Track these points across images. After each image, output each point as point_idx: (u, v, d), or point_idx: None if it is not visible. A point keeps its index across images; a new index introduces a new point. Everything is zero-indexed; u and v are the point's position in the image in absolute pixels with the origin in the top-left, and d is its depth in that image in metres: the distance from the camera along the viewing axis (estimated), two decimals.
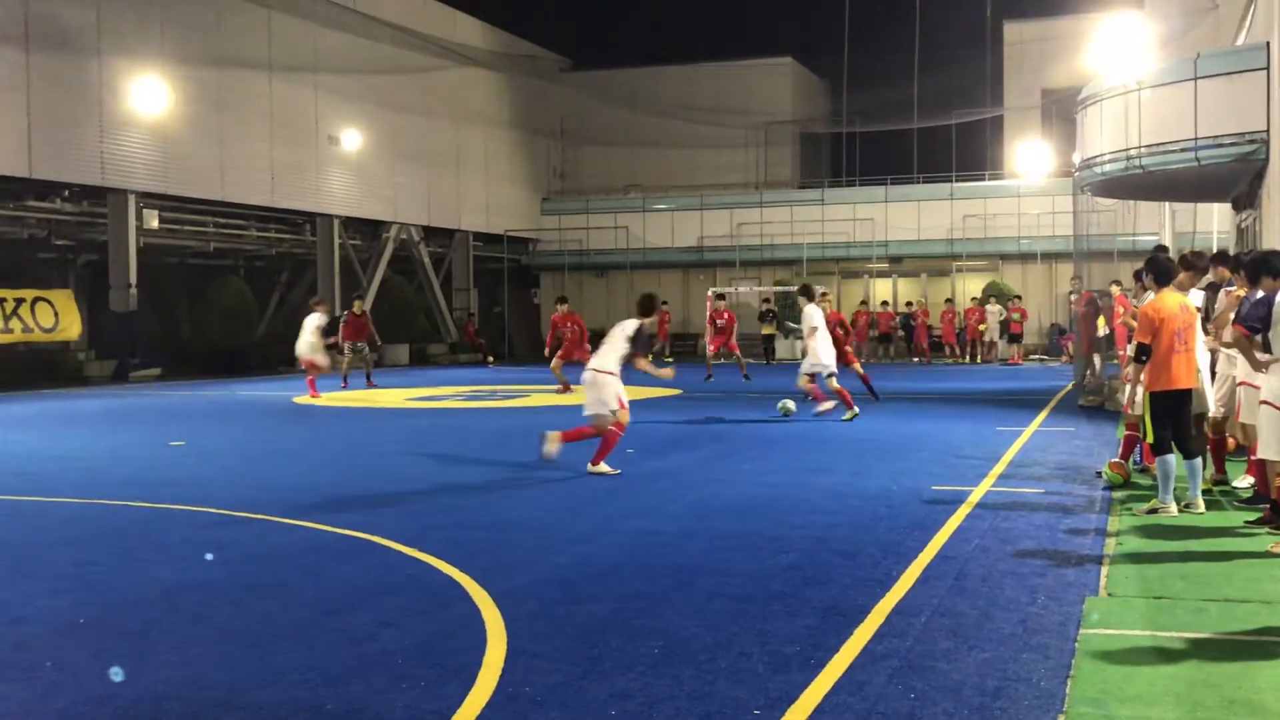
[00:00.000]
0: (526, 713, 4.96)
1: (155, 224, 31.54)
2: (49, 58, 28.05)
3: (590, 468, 11.95)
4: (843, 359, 19.40)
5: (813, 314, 17.44)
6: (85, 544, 8.80)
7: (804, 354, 17.91)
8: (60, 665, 5.68)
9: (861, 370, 21.14)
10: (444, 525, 9.31)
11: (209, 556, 8.18)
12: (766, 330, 38.73)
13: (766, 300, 40.19)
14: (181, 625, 6.44)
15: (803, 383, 17.83)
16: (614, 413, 11.97)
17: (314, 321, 23.57)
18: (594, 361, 12.31)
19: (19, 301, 28.84)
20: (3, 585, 7.46)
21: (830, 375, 17.38)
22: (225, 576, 7.63)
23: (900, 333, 40.35)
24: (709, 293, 34.11)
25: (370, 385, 25.92)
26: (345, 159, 37.80)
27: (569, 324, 23.77)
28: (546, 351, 24.11)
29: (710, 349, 29.41)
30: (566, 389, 22.38)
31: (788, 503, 10.13)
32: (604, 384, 11.99)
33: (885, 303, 42.04)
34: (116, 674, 5.57)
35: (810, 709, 4.97)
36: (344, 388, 25.25)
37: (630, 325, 12.25)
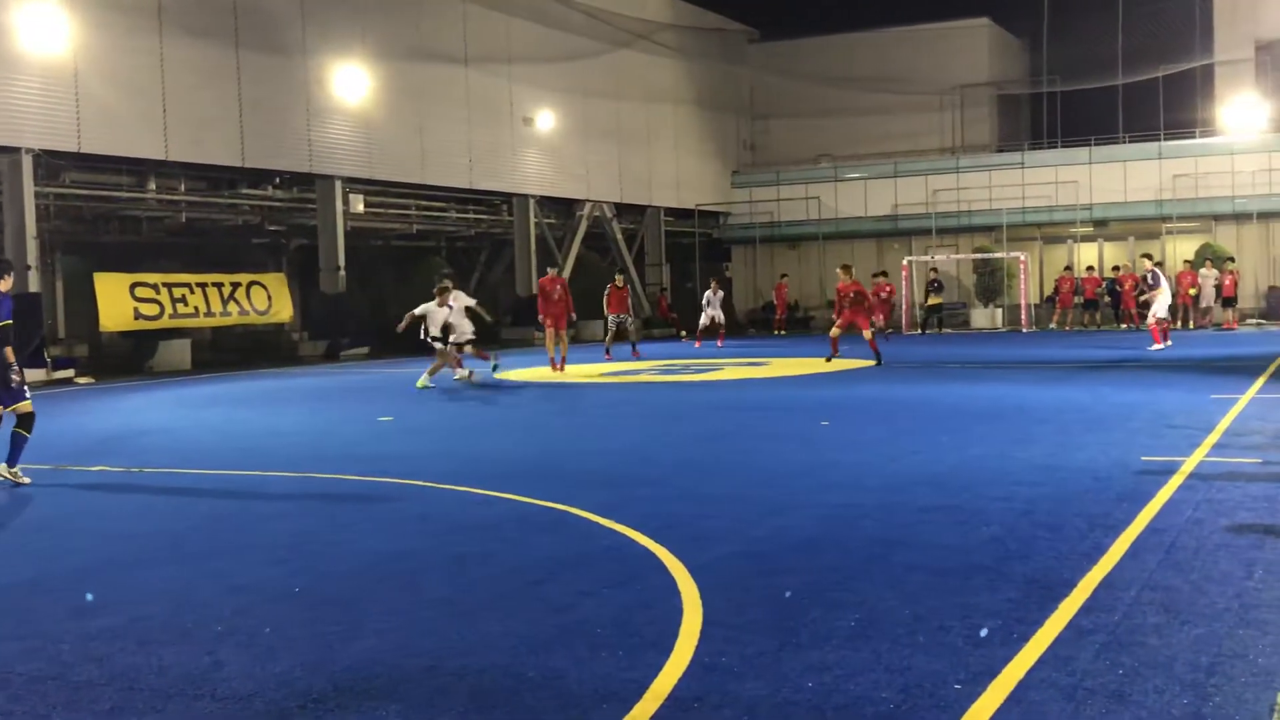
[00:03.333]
0: (723, 683, 4.99)
1: (361, 208, 32.71)
2: (257, 52, 29.28)
3: None
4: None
5: None
6: (300, 516, 9.21)
7: None
8: (277, 631, 5.94)
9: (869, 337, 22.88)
10: (640, 498, 9.41)
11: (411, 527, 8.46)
12: (933, 300, 38.38)
13: (934, 270, 39.62)
14: (390, 593, 6.66)
15: None
16: None
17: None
18: None
19: (235, 285, 30.28)
20: (225, 555, 7.86)
21: None
22: (431, 546, 7.88)
23: (1106, 299, 38.92)
24: (905, 261, 33.53)
25: (636, 355, 27.48)
26: (539, 140, 38.46)
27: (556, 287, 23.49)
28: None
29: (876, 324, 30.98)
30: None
31: (989, 475, 9.90)
32: None
33: (1090, 268, 40.60)
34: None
35: (1013, 683, 4.85)
36: (607, 359, 26.86)
37: None
